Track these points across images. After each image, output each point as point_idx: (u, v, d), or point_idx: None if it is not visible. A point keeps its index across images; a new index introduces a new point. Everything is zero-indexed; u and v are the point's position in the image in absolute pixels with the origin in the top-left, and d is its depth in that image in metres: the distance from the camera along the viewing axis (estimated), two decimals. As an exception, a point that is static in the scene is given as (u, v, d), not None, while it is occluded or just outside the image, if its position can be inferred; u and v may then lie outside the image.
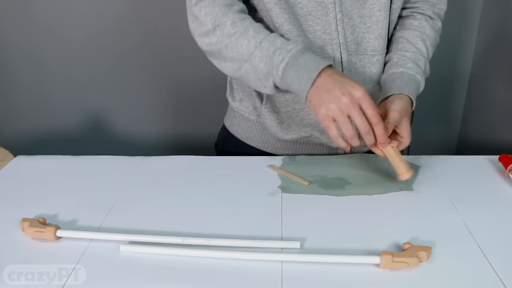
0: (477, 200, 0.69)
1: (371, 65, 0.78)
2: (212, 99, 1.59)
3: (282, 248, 0.59)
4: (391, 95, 0.72)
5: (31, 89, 1.64)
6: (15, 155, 0.87)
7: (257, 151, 0.89)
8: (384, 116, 0.69)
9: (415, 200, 0.70)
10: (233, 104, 0.89)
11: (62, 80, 1.62)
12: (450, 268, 0.55)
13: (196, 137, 1.70)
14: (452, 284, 0.52)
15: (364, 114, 0.63)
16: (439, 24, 0.84)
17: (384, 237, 0.60)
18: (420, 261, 0.55)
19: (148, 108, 1.67)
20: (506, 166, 0.76)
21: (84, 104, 1.66)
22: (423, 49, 0.78)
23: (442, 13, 0.84)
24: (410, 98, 0.72)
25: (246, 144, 0.90)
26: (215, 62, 0.75)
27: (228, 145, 0.93)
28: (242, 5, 0.73)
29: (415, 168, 0.78)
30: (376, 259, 0.54)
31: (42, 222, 0.62)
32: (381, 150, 0.68)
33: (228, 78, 0.90)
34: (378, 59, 0.78)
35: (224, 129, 0.94)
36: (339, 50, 0.75)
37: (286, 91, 0.70)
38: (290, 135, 0.83)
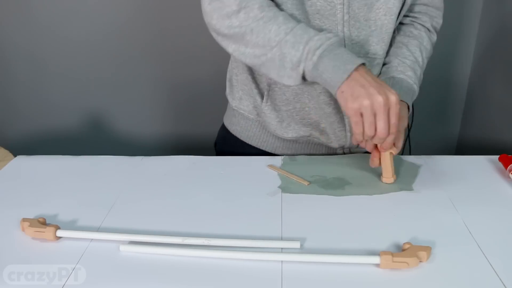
0: (477, 200, 0.69)
1: (372, 68, 0.78)
2: (212, 99, 1.59)
3: (282, 248, 0.59)
4: None
5: (31, 89, 1.64)
6: (15, 155, 0.87)
7: (256, 150, 0.89)
8: None
9: (415, 200, 0.70)
10: (233, 103, 0.89)
11: (62, 80, 1.62)
12: (450, 268, 0.55)
13: (196, 137, 1.70)
14: (452, 284, 0.52)
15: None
16: (435, 37, 0.85)
17: (384, 237, 0.60)
18: (420, 261, 0.55)
19: (148, 108, 1.67)
20: (506, 166, 0.76)
21: (84, 104, 1.66)
22: (420, 59, 0.79)
23: (438, 27, 0.85)
24: (407, 107, 0.74)
25: (245, 143, 0.90)
26: (233, 47, 0.71)
27: (227, 144, 0.93)
28: None
29: (415, 168, 0.78)
30: (376, 259, 0.54)
31: (42, 222, 0.62)
32: (380, 152, 0.70)
33: (228, 76, 0.90)
34: (378, 62, 0.78)
35: (224, 128, 0.94)
36: None
37: (307, 82, 0.69)
38: (290, 134, 0.83)
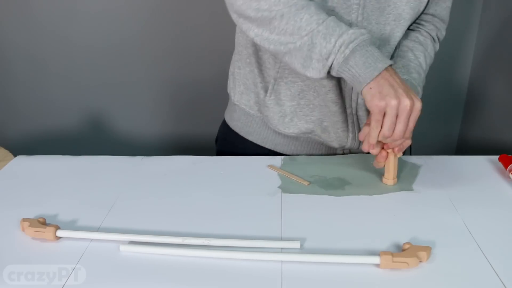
0: (477, 200, 0.69)
1: None
2: (212, 99, 1.59)
3: (282, 248, 0.59)
4: None
5: (31, 89, 1.64)
6: (15, 155, 0.87)
7: (256, 146, 0.89)
8: None
9: (415, 200, 0.70)
10: (234, 97, 0.89)
11: (62, 80, 1.62)
12: (450, 268, 0.55)
13: (196, 137, 1.70)
14: (452, 284, 0.52)
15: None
16: (437, 47, 0.86)
17: (384, 237, 0.60)
18: (420, 261, 0.55)
19: (149, 108, 1.67)
20: (506, 166, 0.76)
21: (84, 104, 1.66)
22: (424, 65, 0.80)
23: (441, 38, 0.86)
24: None
25: (245, 139, 0.89)
26: (255, 31, 0.69)
27: (227, 140, 0.93)
28: None
29: (415, 168, 0.78)
30: (376, 259, 0.54)
31: (42, 222, 0.62)
32: (387, 152, 0.70)
33: (230, 70, 0.89)
34: None
35: (224, 124, 0.94)
36: None
37: (331, 76, 0.68)
38: (291, 130, 0.82)
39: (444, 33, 0.86)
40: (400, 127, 0.63)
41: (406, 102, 0.62)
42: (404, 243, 0.57)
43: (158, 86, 1.63)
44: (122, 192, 0.73)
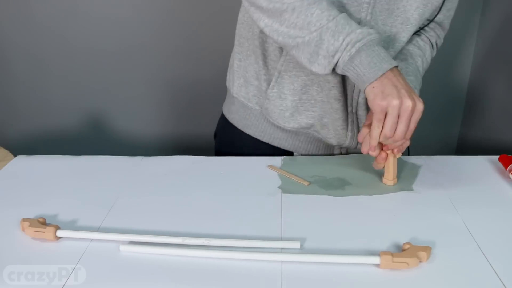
0: (477, 200, 0.69)
1: None
2: (212, 99, 1.59)
3: (282, 248, 0.59)
4: None
5: (31, 89, 1.64)
6: (15, 155, 0.87)
7: (253, 140, 0.88)
8: None
9: (415, 200, 0.70)
10: (233, 90, 0.88)
11: (62, 80, 1.62)
12: (450, 268, 0.55)
13: (196, 137, 1.70)
14: (452, 284, 0.52)
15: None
16: (434, 54, 0.86)
17: (384, 237, 0.60)
18: (420, 261, 0.55)
19: (148, 108, 1.67)
20: (506, 166, 0.76)
21: (84, 104, 1.66)
22: (421, 69, 0.80)
23: (439, 46, 0.87)
24: None
25: (243, 132, 0.89)
26: (265, 22, 0.69)
27: (226, 134, 0.93)
28: None
29: (415, 168, 0.78)
30: (376, 259, 0.54)
31: (42, 222, 0.62)
32: (386, 153, 0.70)
33: (230, 63, 0.89)
34: None
35: (223, 117, 0.94)
36: None
37: (333, 74, 0.69)
38: (291, 124, 0.82)
39: (442, 41, 0.87)
40: (401, 127, 0.63)
41: (408, 103, 0.62)
42: (404, 243, 0.57)
43: (158, 86, 1.63)
44: (122, 192, 0.73)
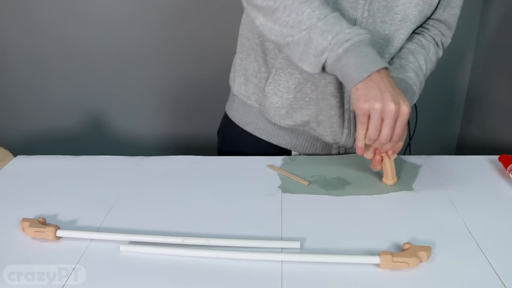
0: (477, 200, 0.69)
1: None
2: (212, 99, 1.59)
3: (282, 248, 0.59)
4: None
5: (31, 89, 1.64)
6: (15, 155, 0.87)
7: (253, 137, 0.89)
8: None
9: (415, 200, 0.70)
10: (234, 88, 0.90)
11: (62, 80, 1.62)
12: (450, 268, 0.55)
13: (196, 137, 1.70)
14: (452, 284, 0.52)
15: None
16: (440, 53, 0.85)
17: (384, 237, 0.60)
18: (420, 261, 0.55)
19: (148, 108, 1.67)
20: (506, 166, 0.76)
21: (84, 104, 1.66)
22: (424, 67, 0.79)
23: (446, 45, 0.86)
24: None
25: (243, 130, 0.90)
26: (261, 20, 0.70)
27: (227, 131, 0.94)
28: None
29: (415, 168, 0.78)
30: (376, 259, 0.54)
31: (42, 222, 0.62)
32: (381, 156, 0.70)
33: (233, 62, 0.90)
34: None
35: (225, 115, 0.96)
36: None
37: (325, 73, 0.68)
38: (287, 121, 0.83)
39: (449, 40, 0.85)
40: (385, 130, 0.63)
41: (391, 107, 0.62)
42: (404, 243, 0.57)
43: (158, 86, 1.63)
44: (122, 192, 0.73)
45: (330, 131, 0.82)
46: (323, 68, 0.67)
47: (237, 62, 0.88)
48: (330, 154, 0.88)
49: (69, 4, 1.50)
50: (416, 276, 0.54)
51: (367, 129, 0.64)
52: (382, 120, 0.63)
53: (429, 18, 0.79)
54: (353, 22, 0.73)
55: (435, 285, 0.52)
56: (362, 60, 0.63)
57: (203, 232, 0.62)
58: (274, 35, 0.69)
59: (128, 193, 0.72)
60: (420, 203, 0.69)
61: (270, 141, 0.88)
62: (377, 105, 0.62)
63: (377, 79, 0.63)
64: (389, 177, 0.73)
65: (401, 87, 0.74)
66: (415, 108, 0.91)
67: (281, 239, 0.61)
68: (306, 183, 0.74)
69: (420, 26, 0.82)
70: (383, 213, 0.66)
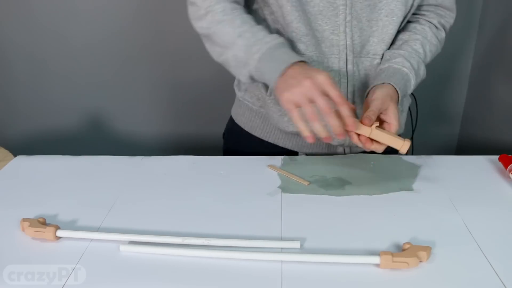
0: (477, 200, 0.69)
1: (372, 68, 0.78)
2: (212, 99, 1.59)
3: (282, 248, 0.59)
4: (372, 87, 0.72)
5: (31, 89, 1.64)
6: (15, 155, 0.87)
7: (260, 141, 0.89)
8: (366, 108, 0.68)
9: (415, 200, 0.70)
10: (239, 93, 0.91)
11: (62, 80, 1.62)
12: (450, 268, 0.55)
13: (196, 137, 1.70)
14: (452, 284, 0.52)
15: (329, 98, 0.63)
16: (442, 34, 0.84)
17: (384, 237, 0.60)
18: (420, 261, 0.55)
19: (148, 108, 1.67)
20: (506, 166, 0.76)
21: (84, 104, 1.66)
22: (420, 50, 0.79)
23: (448, 26, 0.85)
24: (394, 88, 0.71)
25: (250, 134, 0.90)
26: (207, 45, 0.77)
27: (233, 135, 0.95)
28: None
29: (415, 168, 0.78)
30: (376, 259, 0.54)
31: (42, 222, 0.62)
32: (368, 137, 0.66)
33: None
34: (378, 62, 0.78)
35: (231, 119, 0.96)
36: (345, 51, 0.76)
37: (261, 82, 0.73)
38: (291, 128, 0.83)
39: (451, 20, 0.84)
40: (319, 102, 0.62)
41: (307, 83, 0.63)
42: (404, 243, 0.57)
43: (158, 86, 1.63)
44: (122, 192, 0.73)
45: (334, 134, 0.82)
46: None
47: None
48: (336, 153, 0.88)
49: (69, 4, 1.50)
50: (416, 276, 0.54)
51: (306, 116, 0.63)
52: (310, 101, 0.63)
53: (422, 5, 0.79)
54: (337, 28, 0.74)
55: (435, 285, 0.52)
56: (274, 64, 0.68)
57: (203, 232, 0.62)
58: (216, 56, 0.76)
59: (128, 193, 0.72)
60: (420, 203, 0.69)
61: (277, 144, 0.89)
62: (296, 89, 0.64)
63: (291, 72, 0.66)
64: (399, 144, 0.65)
65: (388, 72, 0.74)
66: (414, 99, 0.91)
67: (281, 239, 0.61)
68: (306, 183, 0.74)
69: (415, 14, 0.82)
70: (383, 213, 0.66)
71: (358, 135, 0.66)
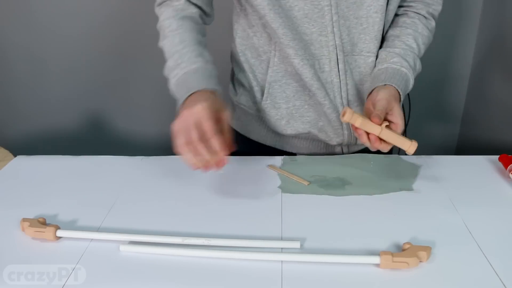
0: (477, 200, 0.69)
1: (366, 66, 0.78)
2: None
3: (282, 248, 0.59)
4: (374, 88, 0.72)
5: (31, 89, 1.64)
6: (15, 155, 0.87)
7: (257, 144, 0.89)
8: (369, 113, 0.68)
9: (415, 200, 0.70)
10: (234, 98, 0.90)
11: (62, 80, 1.62)
12: (450, 268, 0.55)
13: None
14: (452, 284, 0.52)
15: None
16: (432, 23, 0.84)
17: (384, 237, 0.60)
18: (420, 261, 0.55)
19: (148, 108, 1.67)
20: (506, 166, 0.76)
21: (84, 104, 1.66)
22: (414, 45, 0.78)
23: (436, 13, 0.84)
24: (396, 89, 0.71)
25: (246, 137, 0.90)
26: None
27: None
28: (194, 11, 0.80)
29: (415, 168, 0.78)
30: (376, 259, 0.54)
31: (42, 222, 0.62)
32: (379, 136, 0.65)
33: (231, 72, 0.91)
34: (373, 60, 0.78)
35: None
36: (335, 51, 0.76)
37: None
38: (289, 131, 0.83)
39: (439, 7, 0.83)
40: (191, 134, 0.61)
41: (184, 113, 0.63)
42: (404, 243, 0.57)
43: (158, 86, 1.62)
44: (122, 192, 0.73)
45: (332, 134, 0.82)
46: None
47: (234, 73, 0.89)
48: (334, 153, 0.88)
49: (69, 4, 1.50)
50: (416, 276, 0.54)
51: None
52: (187, 131, 0.62)
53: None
54: (324, 29, 0.74)
55: (435, 285, 0.52)
56: (181, 91, 0.70)
57: (203, 232, 0.62)
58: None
59: (128, 193, 0.72)
60: (420, 203, 0.69)
61: (275, 147, 0.88)
62: (179, 119, 0.64)
63: (187, 101, 0.67)
64: (407, 144, 0.65)
65: (387, 73, 0.74)
66: (408, 97, 0.90)
67: (281, 239, 0.61)
68: (306, 183, 0.74)
69: (402, 7, 0.82)
70: (383, 213, 0.66)
71: (367, 134, 0.66)
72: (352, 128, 0.67)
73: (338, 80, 0.78)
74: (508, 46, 1.31)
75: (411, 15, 0.82)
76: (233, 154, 0.90)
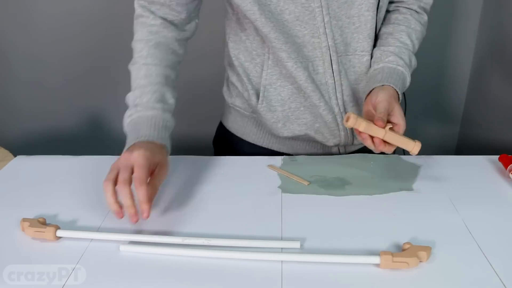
0: (477, 200, 0.69)
1: (361, 65, 0.78)
2: (210, 99, 1.58)
3: (282, 248, 0.59)
4: (373, 89, 0.72)
5: (31, 89, 1.64)
6: (15, 155, 0.87)
7: (253, 146, 0.89)
8: (370, 115, 0.68)
9: (415, 200, 0.70)
10: (229, 100, 0.90)
11: (62, 80, 1.62)
12: (450, 268, 0.55)
13: (195, 137, 1.70)
14: (452, 284, 0.52)
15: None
16: (425, 17, 0.84)
17: (384, 237, 0.60)
18: (420, 261, 0.55)
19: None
20: (506, 166, 0.76)
21: (84, 104, 1.66)
22: (408, 42, 0.78)
23: (428, 7, 0.84)
24: (394, 89, 0.71)
25: (242, 139, 0.90)
26: None
27: (225, 141, 0.94)
28: (170, 36, 0.79)
29: (415, 168, 0.78)
30: (376, 259, 0.54)
31: (42, 222, 0.62)
32: (381, 139, 0.65)
33: (226, 75, 0.90)
34: (368, 59, 0.78)
35: (221, 126, 0.95)
36: (329, 52, 0.76)
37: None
38: (286, 134, 0.83)
39: (430, 1, 0.83)
40: (119, 175, 0.61)
41: (123, 157, 0.63)
42: (404, 243, 0.57)
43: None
44: (122, 192, 0.73)
45: (329, 136, 0.82)
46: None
47: (229, 75, 0.89)
48: (331, 153, 0.88)
49: (69, 4, 1.50)
50: (416, 276, 0.54)
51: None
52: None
53: None
54: (316, 30, 0.74)
55: (435, 285, 0.52)
56: (132, 134, 0.69)
57: (203, 232, 0.62)
58: None
59: (128, 193, 0.72)
60: (420, 203, 0.69)
61: (272, 148, 0.88)
62: (117, 161, 0.64)
63: (132, 146, 0.66)
64: (411, 145, 0.66)
65: (384, 73, 0.74)
66: (403, 96, 0.91)
67: (281, 239, 0.61)
68: (306, 183, 0.74)
69: (393, 3, 0.82)
70: (383, 213, 0.66)
71: (371, 137, 0.66)
72: (355, 132, 0.67)
73: (333, 81, 0.78)
74: (508, 46, 1.31)
75: (403, 11, 0.81)
76: (232, 154, 0.90)
